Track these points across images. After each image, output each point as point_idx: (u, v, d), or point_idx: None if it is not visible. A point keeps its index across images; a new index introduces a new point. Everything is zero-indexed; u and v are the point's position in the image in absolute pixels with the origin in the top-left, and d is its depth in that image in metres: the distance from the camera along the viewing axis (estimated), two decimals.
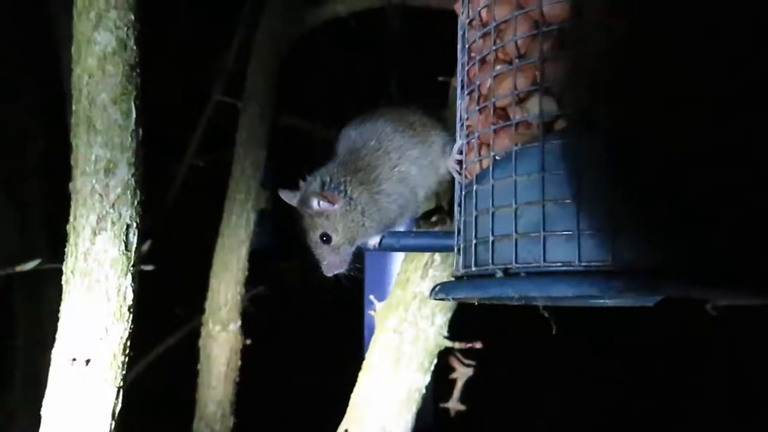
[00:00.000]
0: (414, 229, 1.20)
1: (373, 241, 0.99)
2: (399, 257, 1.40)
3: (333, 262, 0.96)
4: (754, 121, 0.62)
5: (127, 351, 0.96)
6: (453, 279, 0.80)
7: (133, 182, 0.96)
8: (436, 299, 0.80)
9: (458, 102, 0.85)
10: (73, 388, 0.92)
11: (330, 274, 0.97)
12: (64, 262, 0.95)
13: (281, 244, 2.06)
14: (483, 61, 0.75)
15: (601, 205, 0.62)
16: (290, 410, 2.21)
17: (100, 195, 0.93)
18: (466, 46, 0.80)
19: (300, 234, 0.98)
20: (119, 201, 0.94)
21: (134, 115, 0.96)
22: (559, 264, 0.63)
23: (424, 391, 1.30)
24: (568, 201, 0.63)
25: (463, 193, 0.81)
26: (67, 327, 0.93)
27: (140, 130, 0.98)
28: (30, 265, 1.28)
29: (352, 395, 1.33)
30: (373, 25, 1.96)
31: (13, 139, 2.10)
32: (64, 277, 0.95)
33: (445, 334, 1.28)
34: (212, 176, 1.96)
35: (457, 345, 1.29)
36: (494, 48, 0.72)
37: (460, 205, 0.82)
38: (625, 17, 0.64)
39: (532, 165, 0.66)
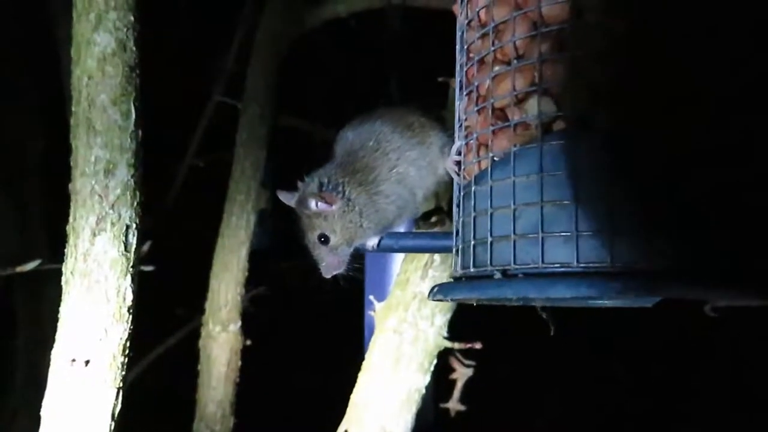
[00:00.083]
0: (413, 230, 1.20)
1: (372, 241, 0.99)
2: (399, 258, 1.40)
3: (331, 263, 0.96)
4: (754, 121, 0.62)
5: (127, 352, 0.96)
6: (452, 280, 0.80)
7: (133, 183, 0.96)
8: (434, 300, 0.80)
9: (457, 103, 0.85)
10: (73, 389, 0.92)
11: (328, 275, 0.97)
12: (64, 263, 0.95)
13: (281, 245, 2.06)
14: (481, 61, 0.75)
15: (599, 206, 0.62)
16: (290, 410, 2.21)
17: (100, 196, 0.93)
18: (465, 47, 0.80)
19: (298, 235, 0.97)
20: (119, 202, 0.94)
21: (134, 116, 0.96)
22: (557, 265, 0.63)
23: (424, 391, 1.30)
24: (567, 202, 0.63)
25: (462, 194, 0.81)
26: (66, 328, 0.93)
27: (140, 131, 0.98)
28: (30, 266, 1.28)
29: (352, 395, 1.33)
30: (373, 25, 1.96)
31: (13, 139, 2.11)
32: (63, 278, 0.95)
33: (445, 334, 1.28)
34: (212, 177, 1.95)
35: (456, 345, 1.28)
36: (493, 49, 0.72)
37: (458, 206, 0.82)
38: (624, 18, 0.64)
39: (530, 166, 0.66)
